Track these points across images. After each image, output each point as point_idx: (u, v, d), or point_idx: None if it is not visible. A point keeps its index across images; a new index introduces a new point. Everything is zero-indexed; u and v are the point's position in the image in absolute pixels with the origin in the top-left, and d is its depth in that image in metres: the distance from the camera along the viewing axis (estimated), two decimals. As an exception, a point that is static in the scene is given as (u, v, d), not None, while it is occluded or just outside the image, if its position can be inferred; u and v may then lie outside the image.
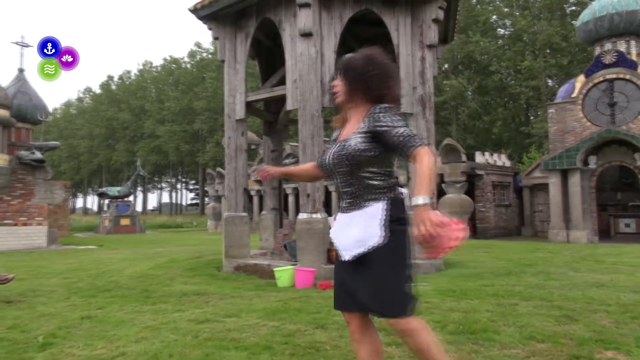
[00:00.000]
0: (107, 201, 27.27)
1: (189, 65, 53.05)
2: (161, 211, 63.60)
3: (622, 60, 16.76)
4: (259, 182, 23.22)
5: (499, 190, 20.73)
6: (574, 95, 17.72)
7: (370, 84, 2.12)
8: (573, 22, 29.15)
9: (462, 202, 18.44)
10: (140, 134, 51.39)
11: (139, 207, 52.35)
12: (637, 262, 8.04)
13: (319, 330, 3.68)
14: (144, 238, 19.63)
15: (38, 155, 14.32)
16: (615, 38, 17.73)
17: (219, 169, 27.25)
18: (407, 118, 7.42)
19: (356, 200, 2.12)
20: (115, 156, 53.30)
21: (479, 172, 19.56)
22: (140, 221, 26.19)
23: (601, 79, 17.16)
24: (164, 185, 65.97)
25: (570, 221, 16.11)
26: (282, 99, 7.73)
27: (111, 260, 9.55)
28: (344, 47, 8.53)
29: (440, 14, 7.34)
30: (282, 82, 7.61)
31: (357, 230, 2.06)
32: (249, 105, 8.05)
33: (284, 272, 6.05)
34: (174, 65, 54.18)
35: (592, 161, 16.00)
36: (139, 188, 56.15)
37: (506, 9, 34.36)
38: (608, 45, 17.80)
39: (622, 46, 17.69)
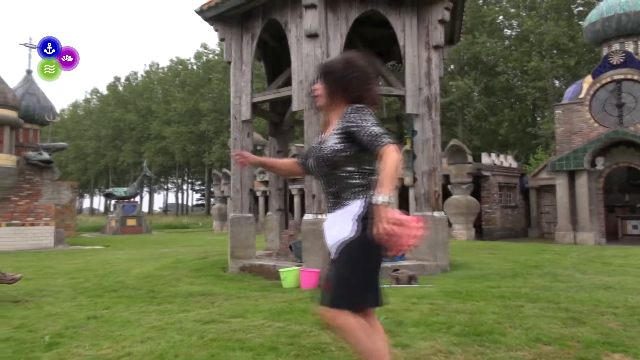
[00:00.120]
0: (113, 202, 27.42)
1: (195, 67, 53.23)
2: (167, 212, 63.83)
3: (630, 61, 16.64)
4: (264, 183, 23.24)
5: (505, 192, 20.64)
6: (581, 96, 17.61)
7: (350, 86, 2.17)
8: (580, 22, 28.99)
9: (468, 203, 18.38)
10: (147, 135, 51.60)
11: (145, 208, 52.54)
12: (645, 264, 7.97)
13: (325, 331, 3.68)
14: (150, 238, 19.70)
15: (45, 156, 14.41)
16: (623, 38, 17.61)
17: (224, 169, 27.32)
18: (413, 119, 7.41)
19: (338, 199, 2.16)
20: (122, 157, 53.54)
21: (485, 173, 19.48)
22: (146, 222, 26.30)
23: (609, 79, 17.05)
24: (170, 186, 66.21)
25: (578, 223, 16.01)
26: (288, 100, 7.74)
27: (117, 261, 9.59)
28: (350, 47, 8.54)
29: (447, 15, 7.32)
30: (288, 83, 7.62)
31: (337, 228, 2.11)
32: (255, 106, 8.06)
33: (289, 273, 6.05)
34: (181, 67, 54.39)
35: (600, 162, 15.89)
36: (146, 189, 56.34)
37: (513, 10, 34.22)
38: (616, 46, 17.68)
39: (630, 46, 17.57)
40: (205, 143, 46.63)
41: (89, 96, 66.26)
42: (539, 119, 34.45)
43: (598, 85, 17.23)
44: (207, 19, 7.99)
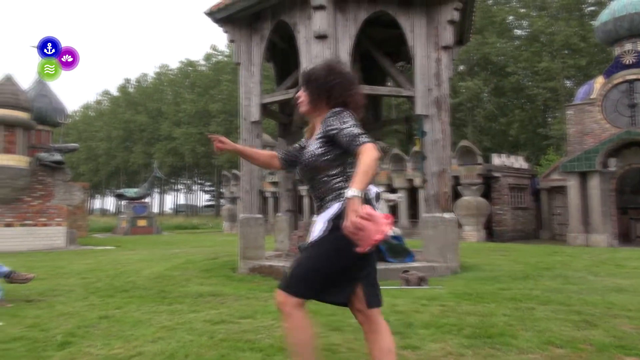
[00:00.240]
0: (124, 202, 27.60)
1: (205, 68, 53.52)
2: (177, 212, 64.18)
3: (643, 61, 16.46)
4: (274, 184, 23.28)
5: (516, 193, 20.50)
6: (593, 96, 17.45)
7: (333, 92, 2.21)
8: (592, 22, 28.71)
9: (478, 205, 18.28)
10: (157, 136, 51.95)
11: (155, 209, 52.85)
12: (659, 266, 7.87)
13: (334, 332, 3.67)
14: (160, 239, 19.82)
15: (57, 157, 14.57)
16: (635, 38, 17.40)
17: (234, 170, 27.42)
18: (422, 120, 7.39)
19: (322, 202, 2.21)
20: (133, 158, 53.94)
21: (495, 174, 19.37)
22: (156, 222, 26.46)
23: (621, 79, 16.87)
24: (180, 186, 66.57)
25: (590, 224, 15.85)
26: (297, 101, 7.74)
27: (128, 261, 9.66)
28: (358, 48, 8.53)
29: (456, 15, 7.30)
30: (297, 84, 7.57)
31: (316, 229, 2.17)
32: (264, 108, 8.08)
33: (298, 274, 6.04)
34: (190, 68, 54.72)
35: (612, 163, 15.73)
36: (156, 190, 56.73)
37: (523, 10, 33.96)
38: (628, 46, 17.48)
39: (642, 46, 17.38)
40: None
41: (100, 98, 66.93)
42: (549, 119, 34.17)
43: (610, 85, 17.05)
44: (216, 21, 8.03)
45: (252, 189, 7.93)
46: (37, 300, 5.24)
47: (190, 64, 54.98)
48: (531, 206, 21.21)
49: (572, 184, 16.35)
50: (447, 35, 7.30)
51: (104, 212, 67.67)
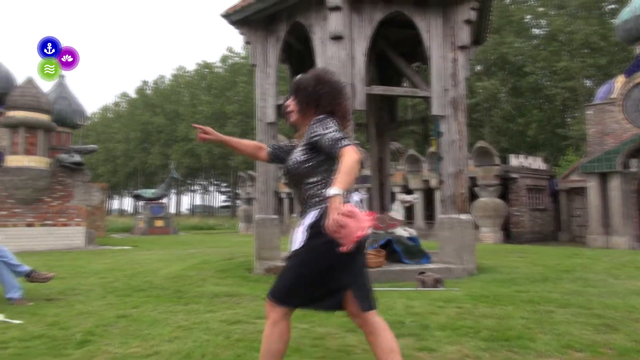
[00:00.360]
0: (142, 203, 27.92)
1: (221, 70, 53.92)
2: (194, 213, 64.73)
3: (665, 60, 16.12)
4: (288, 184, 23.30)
5: (534, 194, 20.23)
6: (613, 96, 17.14)
7: (321, 101, 2.27)
8: (612, 20, 28.17)
9: (495, 206, 18.09)
10: (174, 137, 52.47)
11: (172, 209, 53.40)
12: (682, 269, 7.69)
13: (350, 333, 3.66)
14: (177, 239, 20.01)
15: (77, 158, 14.81)
16: (657, 36, 17.05)
17: (250, 171, 27.55)
18: (439, 120, 7.34)
19: (304, 208, 2.26)
20: (150, 159, 54.57)
21: (513, 175, 19.15)
22: (173, 223, 26.71)
23: (642, 79, 16.54)
24: (196, 187, 67.14)
25: (610, 226, 15.57)
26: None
27: (146, 261, 9.77)
28: (374, 49, 8.51)
29: (473, 15, 7.23)
30: (312, 85, 7.62)
31: (296, 236, 2.21)
32: (280, 109, 8.11)
33: (314, 275, 6.04)
34: (207, 70, 55.18)
35: (634, 164, 15.43)
36: (173, 190, 57.30)
37: (541, 9, 33.50)
38: (650, 44, 17.14)
39: (665, 45, 17.01)
40: (231, 145, 47.00)
41: (118, 100, 67.84)
42: (569, 119, 33.66)
43: (631, 84, 16.73)
44: (232, 23, 8.08)
45: (267, 189, 7.95)
46: (57, 299, 5.33)
47: (207, 65, 55.45)
48: (549, 207, 20.91)
49: (592, 185, 16.07)
50: (464, 35, 7.24)
51: (122, 212, 68.56)
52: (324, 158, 2.19)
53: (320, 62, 7.10)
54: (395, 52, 8.51)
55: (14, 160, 13.44)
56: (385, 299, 5.03)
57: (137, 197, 28.39)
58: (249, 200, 27.28)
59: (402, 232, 7.71)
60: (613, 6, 31.16)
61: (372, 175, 9.88)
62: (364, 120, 10.76)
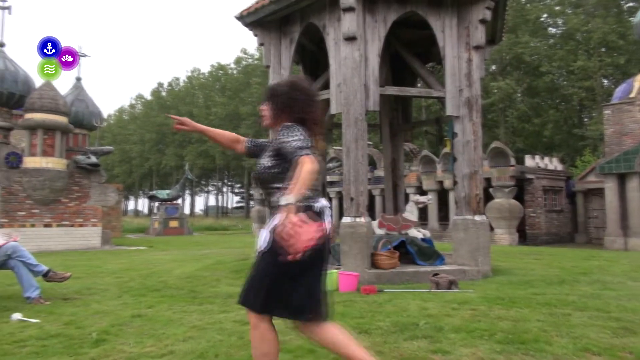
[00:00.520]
0: (157, 204, 28.18)
1: (235, 72, 54.20)
2: (208, 214, 65.14)
3: (686, 58, 15.79)
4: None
5: (550, 195, 19.97)
6: (632, 95, 16.85)
7: (294, 108, 2.34)
8: (630, 18, 27.68)
9: (510, 207, 17.89)
10: (189, 138, 52.85)
11: (186, 210, 53.81)
12: None
13: (363, 335, 3.65)
14: (191, 240, 20.16)
15: (93, 159, 15.01)
16: (678, 34, 16.72)
17: (263, 172, 27.56)
18: (453, 121, 7.28)
19: (272, 211, 2.33)
20: (165, 160, 55.06)
21: (528, 176, 18.93)
22: (187, 223, 26.92)
23: (662, 77, 16.23)
24: (210, 188, 67.56)
25: (629, 228, 15.31)
26: (326, 103, 7.75)
27: (160, 261, 9.86)
28: (388, 49, 8.48)
29: (488, 15, 7.16)
30: (325, 86, 7.63)
31: (261, 237, 2.29)
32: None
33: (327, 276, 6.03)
34: (221, 72, 55.50)
35: (653, 165, 15.13)
36: (187, 191, 57.76)
37: (557, 7, 33.07)
38: (670, 42, 16.82)
39: (685, 43, 16.67)
40: (244, 146, 47.18)
41: (133, 102, 68.52)
42: (586, 120, 33.17)
43: (650, 83, 16.42)
44: (246, 25, 8.12)
45: (281, 190, 7.96)
46: (74, 298, 5.40)
47: (221, 67, 55.78)
48: (566, 209, 20.62)
49: (610, 186, 15.82)
50: (479, 35, 7.18)
51: (137, 213, 69.29)
52: (289, 165, 2.21)
53: (333, 62, 7.10)
54: (409, 52, 8.47)
55: (32, 162, 13.66)
56: (399, 300, 5.00)
57: (152, 198, 28.68)
58: (262, 201, 27.36)
59: (416, 233, 7.67)
60: (631, 4, 30.65)
61: (385, 176, 9.85)
62: (377, 121, 10.73)
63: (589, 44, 29.76)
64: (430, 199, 8.29)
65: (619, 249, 14.80)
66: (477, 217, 7.10)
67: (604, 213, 16.83)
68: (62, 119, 14.17)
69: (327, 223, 2.31)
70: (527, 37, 30.57)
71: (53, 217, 14.14)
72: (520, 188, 18.81)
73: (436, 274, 5.98)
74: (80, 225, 14.68)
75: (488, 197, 16.70)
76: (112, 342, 3.55)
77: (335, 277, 6.03)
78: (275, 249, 2.15)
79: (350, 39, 6.75)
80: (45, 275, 5.24)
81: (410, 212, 7.89)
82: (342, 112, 6.87)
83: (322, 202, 2.33)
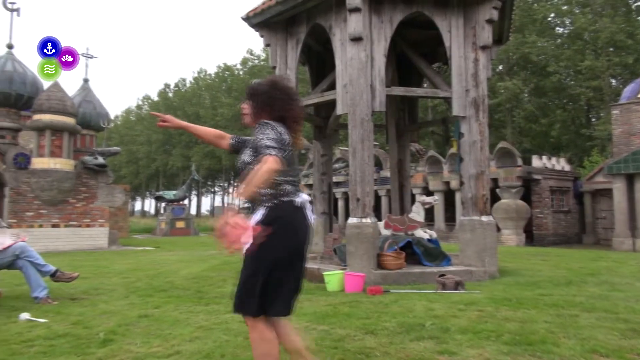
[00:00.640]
0: (163, 204, 28.28)
1: (241, 72, 54.32)
2: (214, 214, 65.29)
3: (695, 57, 15.64)
4: (309, 186, 23.35)
5: (557, 196, 19.85)
6: (640, 95, 16.70)
7: (274, 106, 2.41)
8: (639, 18, 27.43)
9: (517, 208, 17.80)
10: (195, 139, 52.93)
11: (193, 211, 53.94)
12: None
13: (369, 335, 3.65)
14: (197, 240, 20.21)
15: (101, 160, 15.09)
16: (687, 34, 16.55)
17: (269, 173, 27.58)
18: (459, 121, 7.26)
19: (252, 206, 2.39)
20: (172, 161, 55.26)
21: (535, 176, 18.82)
22: (194, 224, 26.98)
23: (671, 77, 16.08)
24: (216, 189, 67.70)
25: (637, 229, 15.18)
26: (332, 104, 7.76)
27: (167, 262, 9.90)
28: (394, 50, 8.47)
29: (495, 14, 7.13)
30: (332, 86, 7.63)
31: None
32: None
33: (333, 277, 6.05)
34: (227, 73, 55.65)
35: (662, 165, 14.99)
36: (193, 192, 57.92)
37: (565, 7, 32.87)
38: (679, 42, 16.65)
39: (694, 42, 16.50)
40: (250, 147, 47.28)
41: (140, 103, 68.85)
42: (594, 120, 32.92)
43: (659, 83, 16.28)
44: (253, 26, 8.14)
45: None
46: (81, 298, 5.43)
47: (227, 68, 55.93)
48: (574, 209, 20.48)
49: (618, 187, 15.70)
50: (486, 35, 7.15)
51: (144, 213, 69.58)
52: None
53: (339, 63, 7.10)
54: (415, 52, 8.45)
55: (40, 163, 13.76)
56: (405, 301, 4.99)
57: (159, 199, 28.78)
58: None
59: (422, 233, 7.65)
60: (640, 3, 30.40)
61: (391, 177, 9.83)
62: (383, 121, 10.72)
63: (597, 44, 29.55)
64: (436, 200, 8.26)
65: (628, 250, 14.68)
66: (484, 218, 7.07)
67: (612, 214, 16.70)
68: (69, 120, 14.26)
69: (309, 217, 2.39)
70: (534, 37, 30.39)
71: (61, 218, 14.24)
72: (527, 188, 18.71)
73: (442, 275, 5.96)
74: (88, 226, 14.77)
75: (495, 198, 16.62)
76: (119, 342, 3.57)
77: (342, 278, 6.03)
78: (258, 246, 2.22)
79: (357, 39, 6.74)
80: (53, 276, 5.27)
81: (417, 213, 7.87)
82: (348, 112, 6.86)
83: (303, 197, 2.39)
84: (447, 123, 9.42)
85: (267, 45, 8.22)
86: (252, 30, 8.26)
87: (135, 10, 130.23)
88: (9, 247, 5.13)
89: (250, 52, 53.73)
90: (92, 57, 18.70)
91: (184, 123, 2.76)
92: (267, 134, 2.25)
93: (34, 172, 13.67)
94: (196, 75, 60.53)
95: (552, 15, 33.37)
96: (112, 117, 30.24)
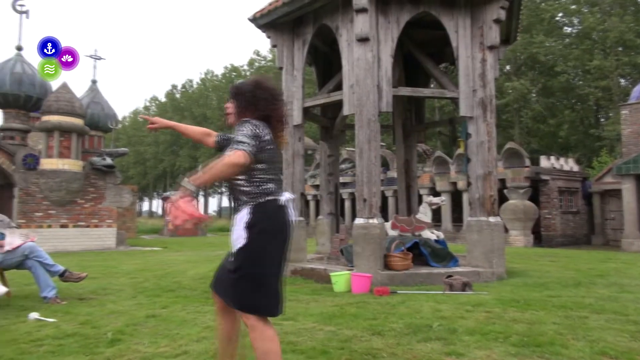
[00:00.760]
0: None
1: (248, 73, 54.42)
2: (221, 215, 65.46)
3: None
4: (315, 187, 23.36)
5: (566, 196, 19.71)
6: (650, 95, 16.55)
7: (258, 106, 2.42)
8: (648, 17, 27.20)
9: (525, 209, 17.70)
10: (202, 140, 53.15)
11: (200, 211, 54.02)
12: None
13: (376, 336, 3.64)
14: (205, 241, 20.27)
15: (109, 161, 15.19)
16: (698, 33, 16.39)
17: (276, 174, 27.63)
18: (467, 121, 7.23)
19: (236, 204, 2.41)
20: (179, 162, 55.49)
21: (544, 177, 18.70)
22: (201, 224, 27.06)
23: (681, 77, 15.93)
24: (223, 189, 67.87)
25: (647, 230, 15.03)
26: (338, 104, 7.76)
27: (174, 262, 9.93)
28: (401, 50, 8.45)
29: (502, 14, 7.10)
30: (338, 87, 7.63)
31: (236, 232, 2.34)
32: (306, 111, 8.13)
33: (340, 277, 6.04)
34: (234, 74, 55.80)
35: (671, 165, 14.86)
36: (201, 192, 58.09)
37: (573, 6, 32.65)
38: (689, 41, 16.49)
39: None
40: (257, 148, 47.41)
41: (148, 104, 69.22)
42: (602, 120, 32.66)
43: (669, 83, 16.13)
44: (259, 27, 8.15)
45: (294, 192, 7.98)
46: (89, 298, 5.47)
47: (234, 69, 56.11)
48: (582, 210, 20.33)
49: (628, 187, 15.57)
50: (493, 35, 7.12)
51: (151, 214, 69.91)
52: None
53: (346, 64, 7.10)
54: (422, 53, 8.43)
55: (48, 163, 13.87)
56: (412, 302, 4.98)
57: (166, 199, 28.92)
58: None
59: (430, 234, 7.62)
60: (649, 2, 30.13)
61: (398, 177, 9.81)
62: (390, 122, 10.70)
63: (606, 43, 29.33)
64: (443, 200, 8.24)
65: (637, 251, 14.54)
66: (492, 219, 7.04)
67: (621, 214, 16.57)
68: (78, 121, 14.36)
69: (291, 216, 2.41)
70: (542, 37, 30.21)
71: (69, 218, 14.34)
72: (535, 189, 18.60)
73: (450, 276, 5.94)
74: (96, 226, 14.87)
75: (502, 199, 16.54)
76: (127, 341, 3.59)
77: (348, 278, 6.02)
78: (258, 243, 2.26)
79: (363, 40, 6.74)
80: (62, 276, 5.31)
81: (424, 214, 7.85)
82: (354, 113, 6.86)
83: (286, 195, 2.41)
84: (454, 123, 9.39)
85: (273, 46, 8.24)
86: (259, 31, 8.29)
87: (143, 11, 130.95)
88: (18, 247, 5.17)
89: (257, 53, 53.86)
90: (100, 58, 18.83)
91: (172, 123, 2.82)
92: (243, 130, 2.28)
93: (43, 172, 13.78)
94: (203, 76, 60.77)
95: (560, 14, 33.16)
96: (119, 118, 30.43)
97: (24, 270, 5.33)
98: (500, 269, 6.91)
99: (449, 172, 20.00)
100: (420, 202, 9.51)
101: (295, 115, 7.93)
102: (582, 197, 20.34)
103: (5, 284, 5.17)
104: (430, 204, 7.92)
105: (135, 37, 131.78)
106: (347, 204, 23.75)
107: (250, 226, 2.28)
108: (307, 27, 7.83)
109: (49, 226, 13.93)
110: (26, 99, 14.64)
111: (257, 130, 2.31)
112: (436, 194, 19.39)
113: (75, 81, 56.79)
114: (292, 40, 8.03)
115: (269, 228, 2.31)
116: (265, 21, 7.97)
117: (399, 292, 5.63)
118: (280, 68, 8.16)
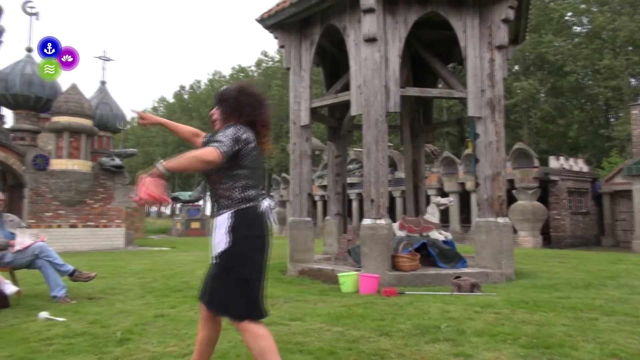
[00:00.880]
0: (179, 205, 28.53)
1: (256, 74, 54.56)
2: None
3: None
4: (323, 187, 23.36)
5: (575, 197, 19.56)
6: (660, 94, 16.39)
7: (242, 111, 2.44)
8: (659, 16, 26.90)
9: (534, 209, 17.59)
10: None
11: (208, 211, 54.30)
12: None
13: (384, 337, 3.63)
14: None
15: (117, 161, 15.29)
16: None
17: (284, 174, 27.74)
18: (475, 122, 7.20)
19: (216, 208, 2.44)
20: (187, 162, 55.72)
21: (553, 177, 18.57)
22: (209, 225, 27.16)
23: (693, 76, 15.77)
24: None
25: (657, 231, 14.88)
26: (346, 105, 7.75)
27: (182, 262, 9.98)
28: (409, 50, 8.43)
29: (511, 14, 7.06)
30: (346, 87, 7.63)
31: (217, 236, 2.37)
32: (314, 112, 8.13)
33: (347, 278, 6.03)
34: (242, 74, 55.95)
35: (683, 166, 14.70)
36: (208, 193, 58.28)
37: (582, 6, 32.40)
38: (701, 40, 16.32)
39: None
40: (265, 148, 47.47)
41: (156, 104, 69.59)
42: (612, 120, 32.37)
43: (680, 82, 15.97)
44: (267, 27, 8.17)
45: (301, 192, 7.99)
46: (98, 297, 5.50)
47: (242, 70, 56.27)
48: (592, 211, 20.17)
49: (638, 188, 15.42)
50: (501, 35, 7.08)
51: (159, 214, 70.18)
52: (232, 163, 2.32)
53: (354, 64, 7.09)
54: (430, 53, 8.41)
55: (58, 164, 13.98)
56: (420, 302, 4.96)
57: (175, 200, 29.04)
58: (282, 203, 27.49)
59: (438, 235, 7.60)
60: (660, 1, 29.81)
61: (406, 178, 9.79)
62: (398, 122, 10.68)
63: (616, 43, 29.07)
64: (451, 201, 8.21)
65: (648, 252, 14.39)
66: (500, 219, 7.00)
67: (632, 215, 16.41)
68: (87, 122, 14.47)
69: (270, 223, 2.47)
70: (551, 36, 30.00)
71: (78, 218, 14.45)
72: (545, 190, 18.48)
73: (458, 277, 5.91)
74: (105, 226, 14.97)
75: (511, 199, 16.44)
76: (136, 341, 3.61)
77: (356, 279, 6.02)
78: (241, 246, 2.30)
79: (371, 40, 6.73)
80: (71, 275, 5.35)
81: (432, 214, 7.82)
82: (362, 113, 6.85)
83: (266, 202, 2.45)
84: (462, 124, 9.36)
85: (281, 46, 8.25)
86: (266, 31, 8.30)
87: (151, 13, 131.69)
88: (28, 246, 5.22)
89: (265, 54, 53.98)
90: (109, 59, 18.97)
91: (162, 120, 2.84)
92: (225, 132, 2.31)
93: (53, 173, 13.90)
94: (211, 77, 61.03)
95: (570, 14, 32.90)
96: (128, 118, 30.54)
97: (34, 270, 5.38)
98: (509, 270, 6.87)
99: (457, 172, 19.92)
100: (428, 202, 9.49)
101: (302, 116, 7.94)
102: (591, 197, 20.18)
103: (15, 283, 5.22)
104: (438, 205, 7.89)
105: (144, 38, 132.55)
106: (355, 205, 23.72)
107: (232, 230, 2.31)
108: (314, 28, 7.83)
109: (59, 226, 14.05)
110: (36, 100, 14.78)
111: (239, 134, 2.33)
112: (444, 194, 19.32)
113: (84, 82, 57.19)
114: (300, 41, 8.04)
115: (251, 234, 2.35)
116: (272, 22, 7.98)
117: (406, 292, 5.61)
118: (288, 69, 8.17)
